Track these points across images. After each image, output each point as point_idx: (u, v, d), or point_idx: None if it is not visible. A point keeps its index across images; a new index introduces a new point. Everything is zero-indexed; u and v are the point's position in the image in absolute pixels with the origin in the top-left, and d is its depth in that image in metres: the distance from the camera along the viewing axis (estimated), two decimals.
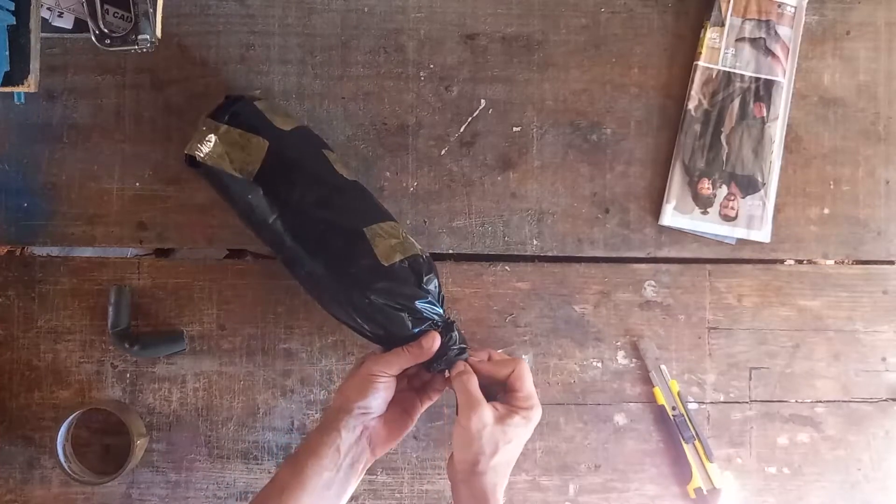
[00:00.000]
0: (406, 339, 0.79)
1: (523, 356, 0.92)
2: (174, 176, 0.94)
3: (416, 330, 0.79)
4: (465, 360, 0.80)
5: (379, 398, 0.77)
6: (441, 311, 0.81)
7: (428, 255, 0.83)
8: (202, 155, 0.82)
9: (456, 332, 0.81)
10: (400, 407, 0.80)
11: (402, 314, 0.79)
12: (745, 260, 0.97)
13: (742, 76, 0.96)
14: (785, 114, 0.96)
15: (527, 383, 0.78)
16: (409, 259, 0.80)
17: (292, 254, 0.82)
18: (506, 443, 0.75)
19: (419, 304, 0.79)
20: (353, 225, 0.81)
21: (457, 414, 0.77)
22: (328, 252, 0.81)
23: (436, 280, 0.82)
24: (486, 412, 0.75)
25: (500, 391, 0.80)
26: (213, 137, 0.82)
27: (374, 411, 0.77)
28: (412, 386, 0.84)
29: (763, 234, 0.96)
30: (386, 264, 0.79)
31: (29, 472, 0.92)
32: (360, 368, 0.78)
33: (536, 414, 0.78)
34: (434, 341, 0.78)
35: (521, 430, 0.76)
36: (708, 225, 0.96)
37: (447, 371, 0.80)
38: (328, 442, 0.75)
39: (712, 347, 0.96)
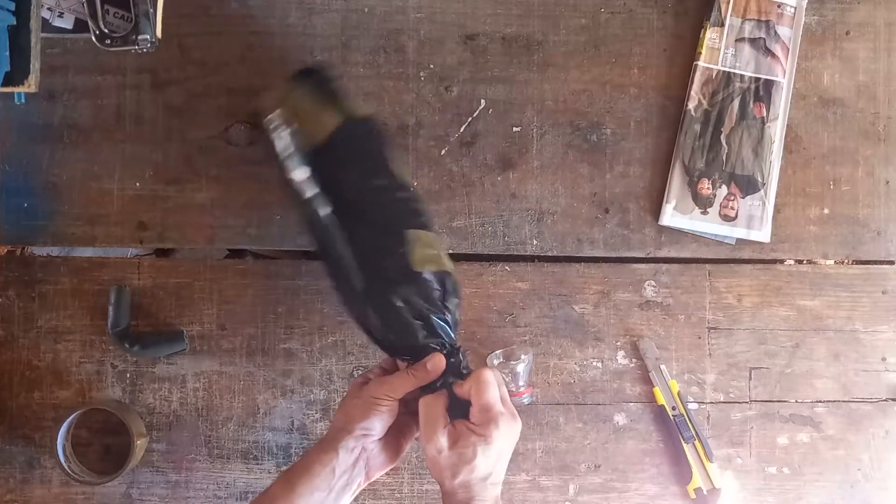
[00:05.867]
0: (410, 350, 0.78)
1: (523, 356, 0.91)
2: (174, 176, 0.94)
3: (424, 343, 0.78)
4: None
5: (382, 420, 0.77)
6: (453, 336, 0.80)
7: (458, 278, 0.81)
8: (277, 121, 0.81)
9: (461, 357, 0.79)
10: (397, 431, 0.80)
11: (417, 323, 0.78)
12: (745, 260, 0.97)
13: (742, 76, 0.96)
14: (785, 114, 0.96)
15: (483, 395, 0.74)
16: (440, 273, 0.79)
17: (326, 234, 0.80)
18: (466, 464, 0.72)
19: (435, 319, 0.78)
20: (397, 223, 0.80)
21: None
22: (364, 241, 0.79)
23: (457, 301, 0.80)
24: (439, 438, 0.73)
25: None
26: (293, 97, 0.82)
27: (375, 433, 0.77)
28: (409, 409, 0.82)
29: (763, 234, 0.96)
30: (416, 269, 0.78)
31: (29, 472, 0.92)
32: (364, 391, 0.78)
33: (495, 431, 0.73)
34: (439, 363, 0.77)
35: (481, 448, 0.72)
36: (708, 225, 0.96)
37: None
38: (324, 461, 0.75)
39: (712, 347, 0.96)
